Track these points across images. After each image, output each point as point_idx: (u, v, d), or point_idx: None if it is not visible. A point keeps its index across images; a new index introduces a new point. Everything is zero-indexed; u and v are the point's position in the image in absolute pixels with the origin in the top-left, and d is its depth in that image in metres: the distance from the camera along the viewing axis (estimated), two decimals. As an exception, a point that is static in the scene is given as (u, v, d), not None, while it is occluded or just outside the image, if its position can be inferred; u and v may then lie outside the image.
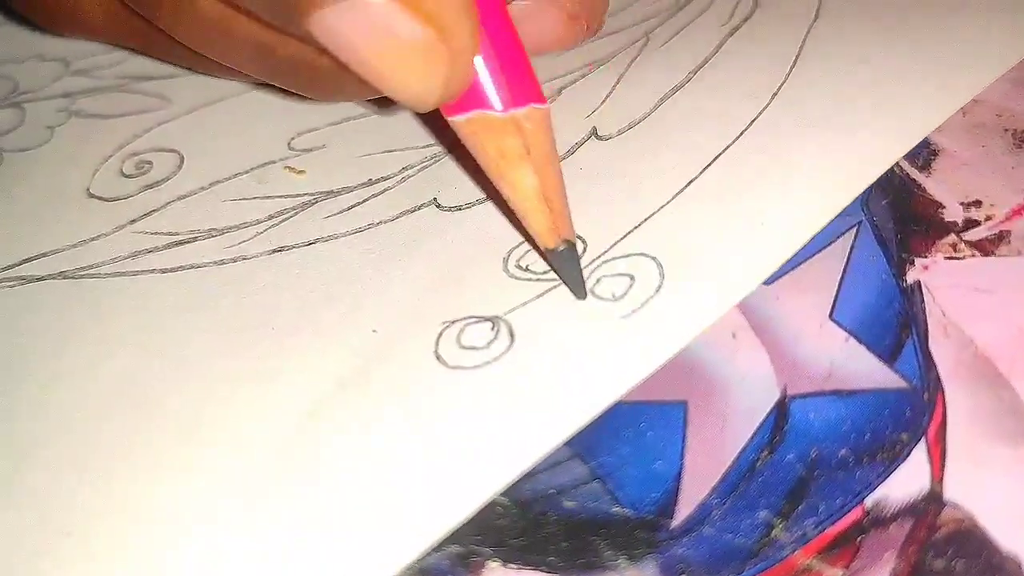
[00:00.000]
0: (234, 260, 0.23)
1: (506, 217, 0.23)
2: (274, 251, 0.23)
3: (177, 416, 0.20)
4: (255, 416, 0.19)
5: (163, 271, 0.23)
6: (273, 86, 0.24)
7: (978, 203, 0.22)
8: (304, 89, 0.22)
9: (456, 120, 0.19)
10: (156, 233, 0.24)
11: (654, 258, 0.21)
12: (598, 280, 0.21)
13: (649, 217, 0.22)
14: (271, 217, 0.24)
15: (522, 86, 0.19)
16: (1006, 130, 0.23)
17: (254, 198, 0.24)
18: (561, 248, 0.20)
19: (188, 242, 0.23)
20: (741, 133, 0.24)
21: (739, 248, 0.21)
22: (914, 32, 0.27)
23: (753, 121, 0.24)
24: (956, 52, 0.26)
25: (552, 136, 0.20)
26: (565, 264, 0.21)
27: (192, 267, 0.23)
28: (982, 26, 0.27)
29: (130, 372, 0.21)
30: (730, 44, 0.27)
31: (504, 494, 0.18)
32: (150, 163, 0.26)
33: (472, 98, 0.19)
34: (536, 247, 0.22)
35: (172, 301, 0.22)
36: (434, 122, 0.26)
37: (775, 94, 0.25)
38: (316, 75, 0.20)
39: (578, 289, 0.21)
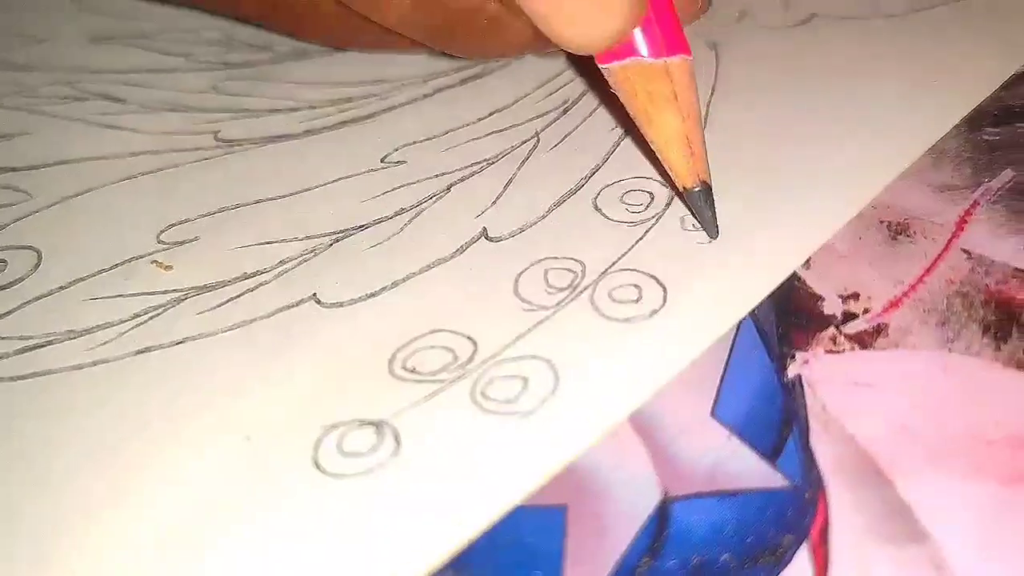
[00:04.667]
0: (93, 364, 0.21)
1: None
2: (138, 352, 0.22)
3: (22, 548, 0.18)
4: (113, 540, 0.18)
5: (12, 379, 0.21)
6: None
7: (856, 296, 0.22)
8: (461, 42, 0.24)
9: (612, 66, 0.22)
10: (7, 338, 0.22)
11: (548, 360, 0.21)
12: (490, 381, 0.20)
13: (543, 320, 0.22)
14: (136, 316, 0.23)
15: (673, 38, 0.22)
16: (881, 222, 0.24)
17: (118, 296, 0.23)
18: (698, 188, 0.23)
19: (43, 346, 0.22)
20: (637, 241, 0.24)
21: (634, 354, 0.21)
22: (808, 138, 0.27)
23: (648, 231, 0.24)
24: (850, 155, 0.26)
25: (696, 86, 0.22)
26: (701, 203, 0.23)
27: (47, 373, 0.21)
28: (876, 128, 0.27)
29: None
30: (620, 150, 0.27)
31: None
32: (4, 262, 0.25)
33: (628, 47, 0.21)
34: (673, 187, 0.24)
35: (20, 413, 0.20)
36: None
37: (668, 204, 0.25)
38: (478, 25, 0.23)
39: (711, 229, 0.23)
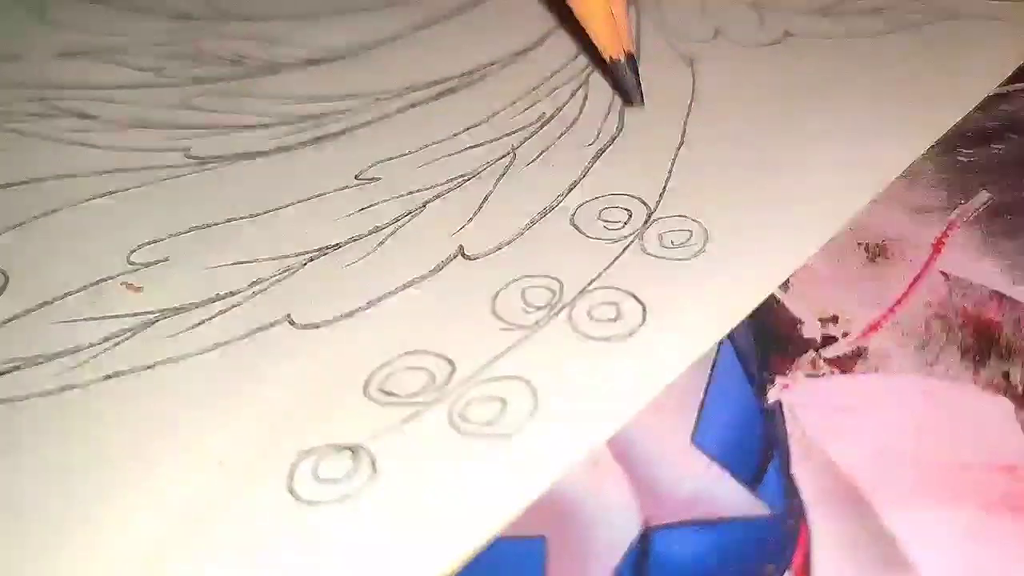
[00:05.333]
0: (62, 389, 0.21)
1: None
2: (108, 377, 0.21)
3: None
4: (83, 569, 0.17)
5: (-22, 407, 0.21)
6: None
7: (835, 319, 0.22)
8: None
9: None
10: (-29, 365, 0.22)
11: (527, 381, 0.20)
12: (468, 403, 0.20)
13: (521, 340, 0.21)
14: (105, 340, 0.22)
15: None
16: (859, 244, 0.24)
17: (87, 319, 0.23)
18: (622, 59, 0.25)
19: (9, 372, 0.21)
20: (615, 259, 0.23)
21: (614, 374, 0.21)
22: (785, 156, 0.27)
23: (626, 248, 0.24)
24: (827, 176, 0.26)
25: None
26: (625, 73, 0.26)
27: (13, 400, 0.21)
28: (851, 149, 0.27)
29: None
30: (598, 166, 0.27)
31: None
32: (-32, 287, 0.24)
33: None
34: (600, 63, 0.27)
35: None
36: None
37: (647, 221, 0.25)
38: None
39: (635, 95, 0.26)
